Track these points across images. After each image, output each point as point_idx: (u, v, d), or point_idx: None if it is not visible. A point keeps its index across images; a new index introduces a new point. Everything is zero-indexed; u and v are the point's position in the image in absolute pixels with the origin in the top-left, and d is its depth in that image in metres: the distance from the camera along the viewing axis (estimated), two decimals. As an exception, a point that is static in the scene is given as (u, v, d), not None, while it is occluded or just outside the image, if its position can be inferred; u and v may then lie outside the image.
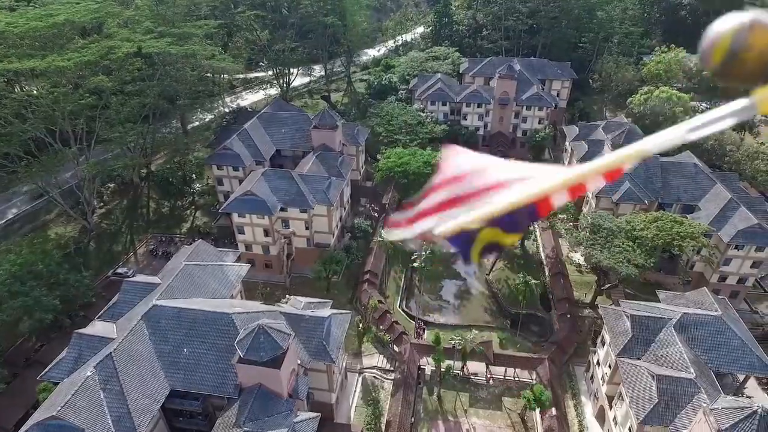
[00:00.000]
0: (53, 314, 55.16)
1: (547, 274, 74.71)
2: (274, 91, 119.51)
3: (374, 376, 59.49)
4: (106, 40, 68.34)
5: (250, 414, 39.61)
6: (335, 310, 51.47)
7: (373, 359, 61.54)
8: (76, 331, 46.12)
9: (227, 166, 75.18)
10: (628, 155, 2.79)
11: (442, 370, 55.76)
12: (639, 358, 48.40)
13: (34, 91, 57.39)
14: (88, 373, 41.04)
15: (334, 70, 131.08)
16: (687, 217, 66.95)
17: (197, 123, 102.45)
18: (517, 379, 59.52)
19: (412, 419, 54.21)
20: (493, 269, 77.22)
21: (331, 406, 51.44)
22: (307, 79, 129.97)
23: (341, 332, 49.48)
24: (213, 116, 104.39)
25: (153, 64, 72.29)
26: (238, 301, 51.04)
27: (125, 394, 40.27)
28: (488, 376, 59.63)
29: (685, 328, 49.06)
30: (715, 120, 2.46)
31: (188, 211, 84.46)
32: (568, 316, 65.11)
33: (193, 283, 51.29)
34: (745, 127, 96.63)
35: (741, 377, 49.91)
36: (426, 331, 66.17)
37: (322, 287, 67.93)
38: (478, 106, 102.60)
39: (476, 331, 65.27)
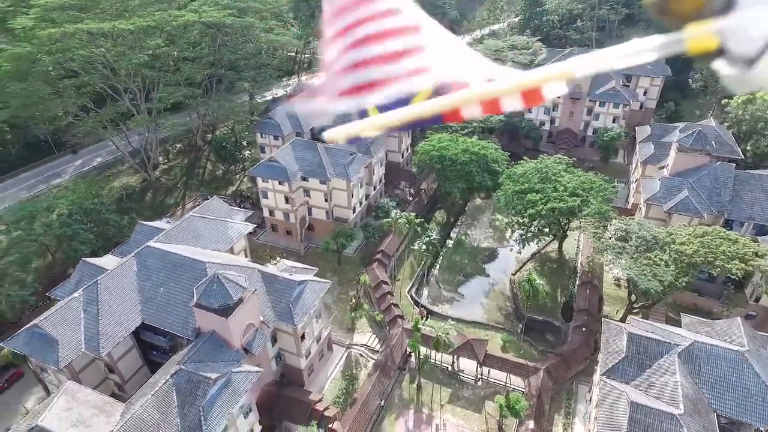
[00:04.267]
0: (89, 247, 62.48)
1: (576, 282, 67.72)
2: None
3: (360, 354, 58.94)
4: (178, 10, 74.98)
5: (195, 355, 41.50)
6: (315, 278, 51.73)
7: (365, 337, 60.94)
8: (82, 258, 51.88)
9: (268, 135, 78.73)
10: (551, 75, 2.60)
11: (419, 357, 53.46)
12: (628, 382, 42.11)
13: (102, 49, 65.02)
14: (75, 295, 46.10)
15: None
16: (757, 240, 56.33)
17: (270, 98, 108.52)
18: (509, 385, 55.06)
19: (382, 402, 52.79)
20: (521, 269, 71.84)
21: (300, 371, 52.02)
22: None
23: (314, 299, 49.63)
24: (286, 92, 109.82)
25: (212, 34, 77.77)
26: (223, 254, 53.47)
27: (99, 318, 44.51)
28: (478, 376, 55.96)
29: (694, 358, 41.58)
30: (643, 49, 2.34)
31: (237, 176, 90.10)
32: (584, 329, 58.53)
33: (192, 233, 54.84)
34: None
35: None
36: (428, 320, 63.78)
37: (334, 260, 68.61)
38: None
39: (476, 329, 61.70)
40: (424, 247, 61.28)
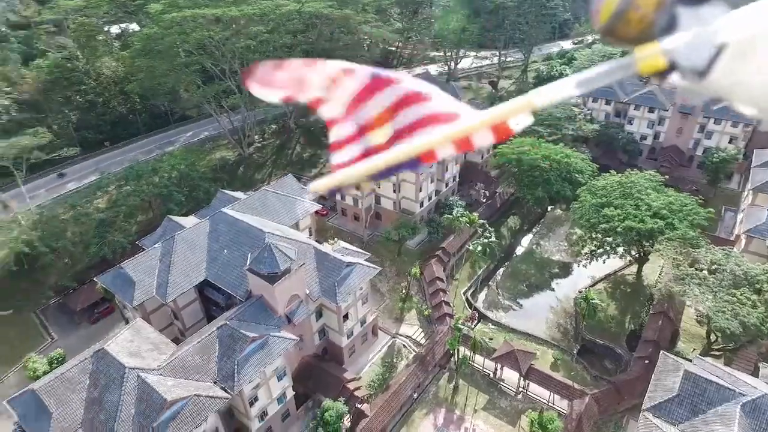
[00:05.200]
0: (181, 208, 69.99)
1: (650, 311, 61.89)
2: (435, 69, 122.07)
3: (404, 345, 59.48)
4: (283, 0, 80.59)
5: (241, 314, 45.10)
6: (365, 262, 53.15)
7: (411, 330, 61.32)
8: (167, 216, 58.38)
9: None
10: (513, 108, 2.67)
11: (458, 358, 52.70)
12: (676, 425, 38.12)
13: (212, 32, 72.33)
14: (156, 246, 52.22)
15: (514, 57, 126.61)
16: None
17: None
18: (551, 404, 52.31)
19: (415, 395, 52.97)
20: (591, 288, 67.24)
21: (341, 349, 53.94)
22: (485, 62, 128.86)
23: (360, 282, 51.13)
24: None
25: (310, 24, 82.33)
26: (285, 227, 56.73)
27: (170, 268, 50.01)
28: (519, 388, 53.84)
29: (761, 413, 36.43)
30: (599, 76, 2.48)
31: (322, 159, 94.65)
32: (647, 361, 53.51)
33: (263, 205, 59.14)
34: None
35: None
36: (479, 323, 62.49)
37: (395, 250, 69.70)
38: (649, 111, 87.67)
39: (528, 341, 59.23)
40: (479, 248, 59.96)
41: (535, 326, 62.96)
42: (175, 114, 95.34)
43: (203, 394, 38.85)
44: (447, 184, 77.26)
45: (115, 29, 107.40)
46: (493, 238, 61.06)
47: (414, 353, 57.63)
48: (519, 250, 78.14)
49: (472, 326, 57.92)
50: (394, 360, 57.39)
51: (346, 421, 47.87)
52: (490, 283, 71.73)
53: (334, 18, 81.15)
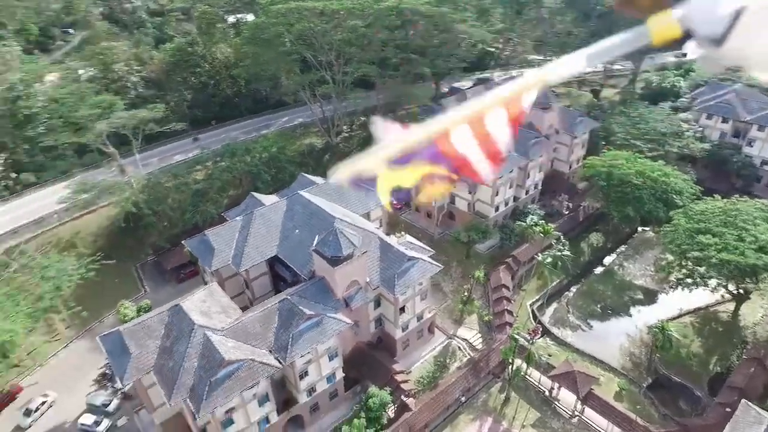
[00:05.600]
0: (266, 187, 74.72)
1: (743, 355, 55.32)
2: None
3: (459, 347, 58.76)
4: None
5: (303, 292, 47.41)
6: (427, 259, 53.19)
7: (470, 333, 60.36)
8: (251, 192, 62.65)
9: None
10: (526, 84, 2.68)
11: (512, 369, 51.02)
12: (746, 481, 34.01)
13: (312, 24, 76.22)
14: (237, 219, 56.43)
15: (622, 66, 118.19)
16: None
17: (447, 89, 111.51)
18: (609, 435, 48.98)
19: (463, 398, 52.22)
20: (675, 319, 61.54)
21: (395, 341, 54.61)
22: (588, 68, 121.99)
23: (420, 277, 51.36)
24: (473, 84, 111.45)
25: (406, 20, 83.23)
26: (356, 215, 58.15)
27: (246, 240, 53.82)
28: (575, 412, 51.00)
29: None
30: (611, 48, 2.46)
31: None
32: (728, 409, 48.03)
33: (338, 192, 61.24)
34: None
35: None
36: (541, 338, 59.92)
37: (464, 252, 68.85)
38: (776, 133, 77.71)
39: (593, 365, 55.78)
40: (549, 259, 57.26)
41: (603, 351, 59.03)
42: (273, 99, 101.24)
43: (258, 360, 41.53)
44: (527, 192, 74.59)
45: (231, 19, 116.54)
46: (566, 252, 58.12)
47: (468, 357, 56.77)
48: (598, 269, 73.44)
49: (533, 339, 55.70)
50: (447, 360, 56.96)
51: (390, 412, 48.55)
52: (561, 299, 68.33)
53: (429, 15, 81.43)
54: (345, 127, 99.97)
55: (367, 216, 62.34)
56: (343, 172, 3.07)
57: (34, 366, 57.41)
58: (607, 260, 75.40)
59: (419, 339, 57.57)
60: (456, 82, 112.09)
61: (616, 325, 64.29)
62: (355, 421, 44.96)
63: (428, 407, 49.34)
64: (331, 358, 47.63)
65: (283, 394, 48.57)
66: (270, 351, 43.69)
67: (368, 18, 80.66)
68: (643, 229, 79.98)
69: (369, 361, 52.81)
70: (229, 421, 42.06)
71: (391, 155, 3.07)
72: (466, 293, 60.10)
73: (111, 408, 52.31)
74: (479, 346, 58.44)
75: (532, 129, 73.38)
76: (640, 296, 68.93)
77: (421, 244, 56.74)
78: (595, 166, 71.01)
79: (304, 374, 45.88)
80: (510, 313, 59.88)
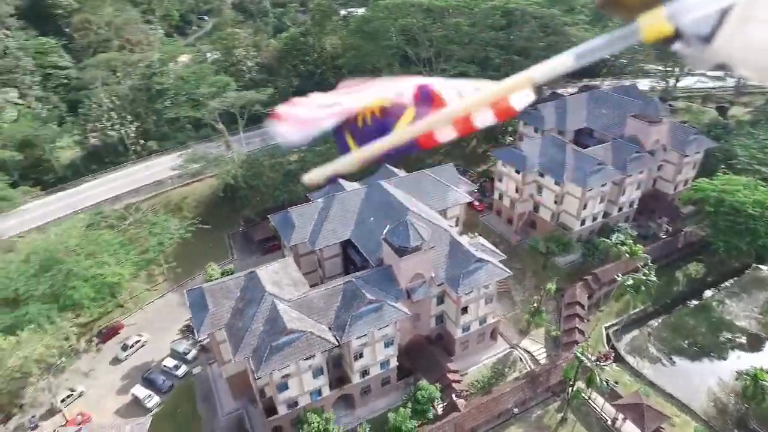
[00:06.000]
0: (352, 174, 77.60)
1: None
2: (647, 83, 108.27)
3: (520, 358, 56.97)
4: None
5: (368, 277, 48.97)
6: (497, 263, 52.08)
7: (534, 346, 58.22)
8: (336, 178, 65.46)
9: (530, 125, 79.11)
10: (514, 83, 2.63)
11: (572, 389, 48.44)
12: None
13: (414, 20, 77.45)
14: (318, 200, 59.53)
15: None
16: None
17: (550, 92, 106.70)
18: (674, 481, 44.89)
19: (515, 410, 50.67)
20: (776, 372, 54.28)
21: (454, 340, 54.37)
22: (717, 83, 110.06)
23: (486, 280, 50.55)
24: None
25: (513, 20, 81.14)
26: (431, 210, 58.27)
27: (324, 222, 56.63)
28: (638, 448, 47.28)
29: None
30: (601, 46, 2.43)
31: (493, 158, 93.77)
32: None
33: (417, 185, 62.03)
34: None
35: None
36: (612, 364, 56.01)
37: (540, 262, 66.28)
38: None
39: (668, 402, 51.19)
40: (630, 282, 53.08)
41: (684, 390, 53.84)
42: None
43: (316, 334, 43.86)
44: (621, 209, 69.61)
45: (343, 12, 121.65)
46: (652, 277, 53.57)
47: (528, 370, 54.87)
48: (692, 302, 66.68)
49: (601, 363, 52.29)
50: (506, 369, 55.56)
51: (438, 408, 48.66)
52: (642, 327, 63.20)
53: (538, 16, 78.72)
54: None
55: (443, 213, 62.39)
56: (318, 173, 3.06)
57: (135, 309, 65.53)
58: (706, 294, 68.13)
59: (479, 343, 56.72)
60: (560, 88, 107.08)
61: (704, 365, 58.23)
62: (401, 410, 45.74)
63: (478, 411, 48.70)
64: (386, 345, 48.79)
65: (338, 372, 50.71)
66: (329, 328, 45.84)
67: (474, 16, 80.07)
68: (757, 267, 71.08)
69: (425, 354, 53.20)
70: (284, 386, 45.01)
71: (366, 155, 2.95)
72: (535, 304, 57.94)
73: (189, 357, 58.28)
74: (542, 361, 56.21)
75: (635, 143, 68.23)
76: (741, 339, 61.59)
77: (492, 248, 55.70)
78: (704, 189, 64.38)
79: (359, 356, 47.52)
80: (581, 332, 56.77)
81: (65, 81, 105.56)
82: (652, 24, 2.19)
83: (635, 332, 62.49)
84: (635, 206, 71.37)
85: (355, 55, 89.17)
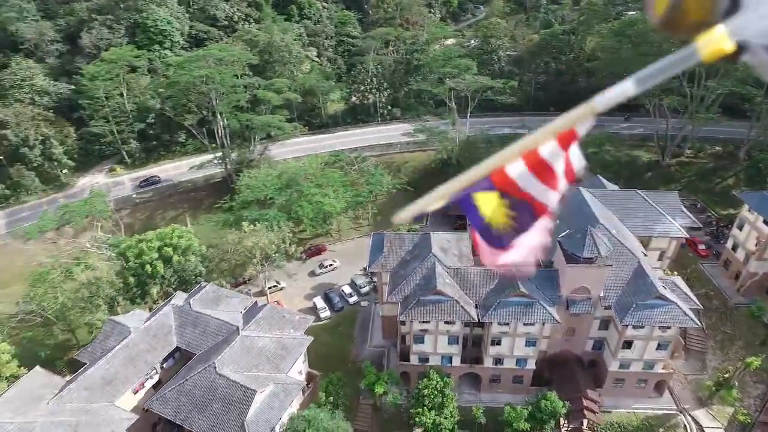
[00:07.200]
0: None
1: None
2: None
3: (685, 426, 48.64)
4: None
5: (529, 272, 48.61)
6: (688, 313, 44.86)
7: (707, 420, 48.82)
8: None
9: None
10: (578, 115, 2.65)
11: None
12: None
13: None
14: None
15: None
16: None
17: None
18: None
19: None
20: None
21: (606, 372, 49.85)
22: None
23: (663, 320, 44.63)
24: None
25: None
26: (627, 232, 52.69)
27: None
28: None
29: None
30: (660, 70, 2.37)
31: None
32: None
33: (623, 202, 56.84)
34: None
35: None
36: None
37: (759, 334, 53.93)
38: None
39: None
40: None
41: None
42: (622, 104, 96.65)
43: (461, 303, 46.48)
44: None
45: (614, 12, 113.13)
46: None
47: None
48: None
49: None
50: (660, 430, 48.40)
51: (562, 426, 46.25)
52: None
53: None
54: (688, 151, 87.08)
55: (646, 241, 56.03)
56: (407, 212, 3.05)
57: (337, 239, 78.33)
58: None
59: (639, 388, 50.48)
60: None
61: None
62: (519, 408, 45.18)
63: (604, 452, 44.50)
64: (527, 344, 48.25)
65: (475, 351, 52.44)
66: (476, 306, 47.81)
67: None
68: None
69: (567, 372, 50.39)
70: (421, 339, 49.35)
71: (448, 191, 3.08)
72: (726, 374, 48.18)
73: (363, 290, 67.51)
74: (714, 443, 47.04)
75: None
76: None
77: (688, 292, 48.14)
78: None
79: (496, 341, 48.36)
80: None
81: (351, 47, 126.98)
82: (710, 43, 2.14)
83: None
84: None
85: (611, 58, 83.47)
